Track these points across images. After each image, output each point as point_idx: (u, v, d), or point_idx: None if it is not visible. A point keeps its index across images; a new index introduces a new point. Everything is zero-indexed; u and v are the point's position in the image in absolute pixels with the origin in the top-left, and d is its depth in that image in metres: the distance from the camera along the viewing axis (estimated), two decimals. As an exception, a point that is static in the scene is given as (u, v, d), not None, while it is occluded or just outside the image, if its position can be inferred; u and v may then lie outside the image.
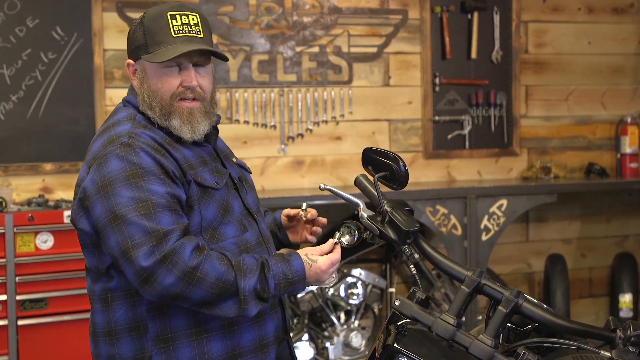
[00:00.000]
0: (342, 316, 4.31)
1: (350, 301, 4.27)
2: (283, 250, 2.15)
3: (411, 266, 2.04)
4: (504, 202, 4.19)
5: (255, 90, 4.32)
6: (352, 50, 4.49)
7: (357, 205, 1.99)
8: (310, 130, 4.42)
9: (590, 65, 4.97)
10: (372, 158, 2.00)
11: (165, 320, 1.90)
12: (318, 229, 2.20)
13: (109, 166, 1.84)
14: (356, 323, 4.32)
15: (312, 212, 2.16)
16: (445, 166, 4.68)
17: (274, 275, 1.86)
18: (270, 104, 4.35)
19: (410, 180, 1.97)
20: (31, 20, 3.94)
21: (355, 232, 2.01)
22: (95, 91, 4.05)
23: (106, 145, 1.88)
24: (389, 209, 1.91)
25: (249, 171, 2.22)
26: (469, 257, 4.09)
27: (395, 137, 4.58)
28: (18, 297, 3.49)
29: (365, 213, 1.96)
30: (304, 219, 2.17)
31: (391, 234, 1.90)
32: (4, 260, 3.48)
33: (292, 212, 2.19)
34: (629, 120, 4.93)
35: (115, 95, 4.08)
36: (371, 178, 2.02)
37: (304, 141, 4.43)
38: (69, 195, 3.98)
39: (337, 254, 1.96)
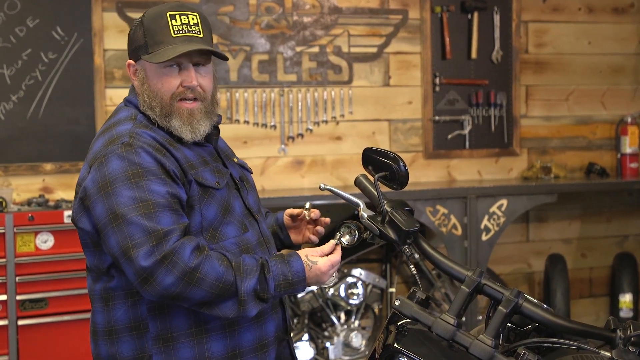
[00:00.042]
0: (342, 316, 4.31)
1: (351, 301, 4.27)
2: (284, 251, 2.16)
3: (411, 266, 2.04)
4: (504, 202, 4.19)
5: (255, 90, 4.32)
6: (352, 50, 4.49)
7: (357, 205, 1.99)
8: (311, 130, 4.43)
9: (591, 65, 4.97)
10: (372, 158, 2.00)
11: (165, 320, 1.90)
12: (321, 229, 2.20)
13: (109, 166, 1.84)
14: (356, 323, 4.32)
15: (316, 212, 2.16)
16: (445, 166, 4.68)
17: (273, 276, 1.86)
18: (271, 104, 4.35)
19: (410, 180, 1.97)
20: (31, 20, 3.94)
21: (355, 232, 2.01)
22: (96, 91, 4.05)
23: (107, 145, 1.88)
24: (389, 209, 1.91)
25: (250, 171, 2.22)
26: (469, 257, 4.09)
27: (396, 137, 4.58)
28: (18, 297, 3.49)
29: (365, 213, 1.96)
30: (307, 218, 2.17)
31: (391, 234, 1.90)
32: (4, 260, 3.48)
33: (295, 211, 2.19)
34: (629, 120, 4.93)
35: (115, 95, 4.08)
36: (371, 178, 2.02)
37: (304, 141, 4.43)
38: (69, 195, 3.98)
39: (337, 255, 1.96)
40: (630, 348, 1.64)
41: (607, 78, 5.01)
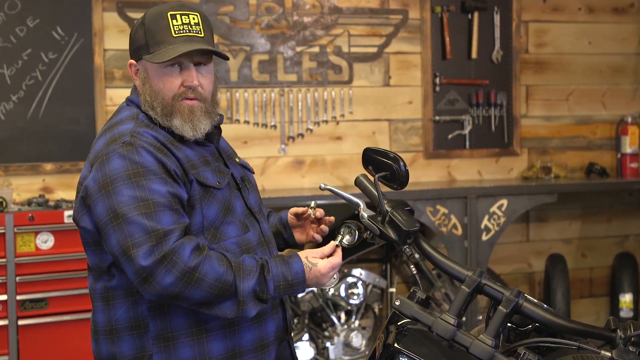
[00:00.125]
0: (343, 316, 4.31)
1: (351, 301, 4.27)
2: (285, 252, 2.16)
3: (411, 266, 2.04)
4: (505, 202, 4.19)
5: (255, 90, 4.32)
6: (353, 50, 4.49)
7: (358, 205, 1.99)
8: (311, 130, 4.43)
9: (591, 65, 4.97)
10: (372, 158, 2.00)
11: (165, 320, 1.90)
12: (325, 228, 2.19)
13: (111, 165, 1.84)
14: (356, 323, 4.32)
15: (320, 211, 2.16)
16: (445, 166, 4.68)
17: (273, 277, 1.87)
18: (271, 103, 4.35)
19: (410, 180, 1.97)
20: (31, 20, 3.94)
21: (355, 232, 2.01)
22: (96, 91, 4.05)
23: (109, 144, 1.89)
24: (389, 209, 1.91)
25: (251, 171, 2.22)
26: (470, 257, 4.09)
27: (396, 137, 4.58)
28: (18, 297, 3.49)
29: (365, 213, 1.96)
30: (312, 217, 2.17)
31: (391, 234, 1.90)
32: (4, 260, 3.48)
33: (300, 210, 2.19)
34: (629, 120, 4.93)
35: (115, 95, 4.08)
36: (371, 178, 2.02)
37: (304, 141, 4.43)
38: (69, 195, 3.98)
39: (338, 258, 1.96)
40: (630, 348, 1.64)
41: (608, 78, 5.01)
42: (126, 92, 2.08)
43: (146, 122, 1.95)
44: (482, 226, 4.14)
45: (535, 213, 4.90)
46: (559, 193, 4.37)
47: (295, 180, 4.42)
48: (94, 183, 1.85)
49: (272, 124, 4.35)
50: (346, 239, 2.01)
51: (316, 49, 4.43)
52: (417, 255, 1.90)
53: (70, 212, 3.52)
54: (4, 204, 3.60)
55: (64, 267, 3.57)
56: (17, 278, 3.49)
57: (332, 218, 2.20)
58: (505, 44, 4.74)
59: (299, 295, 4.20)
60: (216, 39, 4.18)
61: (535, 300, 1.75)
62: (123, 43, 4.08)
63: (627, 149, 4.89)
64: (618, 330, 1.69)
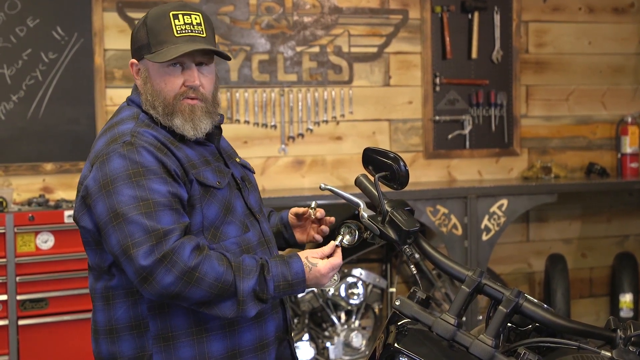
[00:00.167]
0: (343, 316, 4.31)
1: (351, 301, 4.27)
2: (285, 252, 2.16)
3: (412, 266, 2.04)
4: (505, 202, 4.19)
5: (255, 90, 4.32)
6: (353, 50, 4.49)
7: (358, 205, 1.99)
8: (311, 130, 4.43)
9: (591, 65, 4.97)
10: (372, 158, 2.00)
11: (165, 319, 1.90)
12: (325, 228, 2.19)
13: (111, 164, 1.84)
14: (357, 323, 4.32)
15: (321, 211, 2.16)
16: (445, 166, 4.68)
17: (273, 277, 1.87)
18: (271, 103, 4.35)
19: (410, 180, 1.97)
20: (32, 20, 3.94)
21: (355, 232, 2.01)
22: (96, 91, 4.05)
23: (109, 144, 1.89)
24: (389, 209, 1.91)
25: (252, 171, 2.22)
26: (470, 257, 4.09)
27: (396, 137, 4.58)
28: (18, 297, 3.50)
29: (365, 213, 1.96)
30: (313, 217, 2.17)
31: (392, 233, 1.90)
32: (4, 260, 3.48)
33: (301, 210, 2.19)
34: (629, 120, 4.93)
35: (115, 95, 4.08)
36: (372, 178, 2.02)
37: (304, 141, 4.43)
38: (69, 195, 3.98)
39: (338, 258, 1.96)
40: (630, 348, 1.64)
41: (608, 78, 5.01)
42: (126, 92, 2.08)
43: (146, 122, 1.95)
44: (482, 226, 4.14)
45: (535, 213, 4.90)
46: (559, 193, 4.37)
47: (295, 180, 4.42)
48: (94, 183, 1.85)
49: (272, 124, 4.35)
50: (346, 239, 2.01)
51: (316, 49, 4.43)
52: (417, 255, 1.90)
53: (71, 212, 3.52)
54: (4, 204, 3.61)
55: (64, 267, 3.57)
56: (17, 278, 3.49)
57: (332, 218, 2.20)
58: (505, 44, 4.74)
59: (299, 295, 4.20)
60: (216, 39, 4.17)
61: (536, 300, 1.75)
62: (123, 43, 4.08)
63: (627, 149, 4.89)
64: (618, 330, 1.69)
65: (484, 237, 4.14)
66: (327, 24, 4.44)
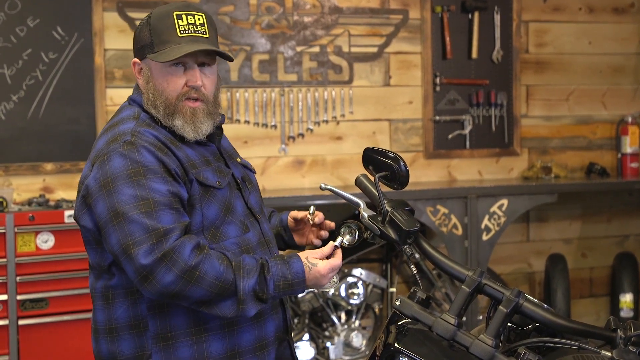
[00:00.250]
0: (343, 316, 4.31)
1: (351, 301, 4.27)
2: (286, 252, 2.15)
3: (412, 266, 2.04)
4: (505, 201, 4.19)
5: (255, 90, 4.32)
6: (353, 50, 4.49)
7: (358, 205, 1.99)
8: (311, 130, 4.43)
9: (591, 65, 4.97)
10: (372, 158, 2.00)
11: (165, 319, 1.90)
12: (325, 233, 2.19)
13: (111, 164, 1.85)
14: (357, 323, 4.32)
15: (320, 216, 2.16)
16: (445, 166, 4.68)
17: (273, 276, 1.87)
18: (271, 103, 4.35)
19: (410, 180, 1.97)
20: (32, 20, 3.94)
21: (355, 232, 2.01)
22: (96, 91, 4.05)
23: (109, 143, 1.89)
24: (389, 209, 1.91)
25: (253, 171, 2.22)
26: (470, 257, 4.09)
27: (396, 136, 4.58)
28: (19, 297, 3.49)
29: (365, 213, 1.96)
30: (311, 222, 2.17)
31: (392, 233, 1.90)
32: (4, 260, 3.48)
33: (300, 214, 2.18)
34: (629, 120, 4.93)
35: (115, 95, 4.08)
36: (372, 178, 2.02)
37: (304, 141, 4.43)
38: (69, 195, 3.98)
39: (338, 259, 1.96)
40: (630, 348, 1.64)
41: (608, 78, 5.01)
42: (126, 92, 2.08)
43: (147, 122, 1.96)
44: (483, 226, 4.14)
45: (535, 213, 4.90)
46: (559, 193, 4.37)
47: (295, 180, 4.42)
48: (94, 182, 1.85)
49: (273, 123, 4.35)
50: (346, 239, 2.01)
51: (316, 49, 4.43)
52: (417, 255, 1.90)
53: (71, 212, 3.52)
54: (5, 203, 3.61)
55: (64, 267, 3.57)
56: (18, 278, 3.49)
57: (332, 224, 2.18)
58: (505, 43, 4.74)
59: (300, 295, 4.20)
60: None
61: (536, 300, 1.75)
62: (123, 43, 4.09)
63: (627, 148, 4.89)
64: (618, 330, 1.69)
65: (484, 237, 4.14)
66: (327, 23, 4.44)
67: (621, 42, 5.02)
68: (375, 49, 4.53)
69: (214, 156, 2.04)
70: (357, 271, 4.33)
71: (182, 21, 1.94)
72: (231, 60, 2.05)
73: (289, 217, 2.21)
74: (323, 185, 2.07)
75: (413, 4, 4.57)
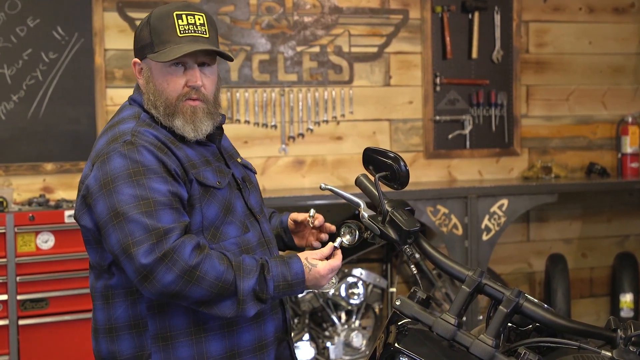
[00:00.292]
0: (343, 316, 4.31)
1: (351, 301, 4.27)
2: (286, 252, 2.15)
3: (412, 266, 2.04)
4: (505, 201, 4.19)
5: (255, 90, 4.32)
6: (353, 50, 4.49)
7: (358, 205, 1.99)
8: (311, 130, 4.42)
9: (591, 65, 4.97)
10: (372, 158, 2.00)
11: (164, 319, 1.90)
12: (325, 236, 2.19)
13: (111, 164, 1.85)
14: (357, 323, 4.32)
15: (320, 219, 2.15)
16: (446, 166, 4.68)
17: (273, 277, 1.87)
18: (271, 103, 4.35)
19: (411, 180, 1.97)
20: (32, 20, 3.94)
21: (356, 232, 2.01)
22: (96, 91, 4.05)
23: (109, 143, 1.89)
24: (389, 209, 1.91)
25: (253, 171, 2.22)
26: (470, 257, 4.09)
27: (396, 136, 4.58)
28: (19, 297, 3.49)
29: (366, 213, 1.96)
30: (311, 225, 2.17)
31: (392, 233, 1.90)
32: (4, 260, 3.48)
33: (300, 217, 2.18)
34: (629, 120, 4.93)
35: (116, 95, 4.08)
36: (372, 178, 2.02)
37: (304, 141, 4.43)
38: (69, 195, 3.98)
39: (337, 260, 1.96)
40: (631, 348, 1.64)
41: (608, 78, 5.01)
42: (126, 92, 2.08)
43: (147, 122, 1.96)
44: (483, 226, 4.14)
45: (535, 213, 4.90)
46: (560, 193, 4.37)
47: (295, 180, 4.42)
48: (94, 182, 1.86)
49: (273, 123, 4.35)
50: (346, 239, 2.01)
51: (316, 49, 4.43)
52: (417, 255, 1.90)
53: (71, 212, 3.52)
54: (5, 203, 3.61)
55: (65, 267, 3.57)
56: (18, 278, 3.49)
57: (332, 227, 2.18)
58: (505, 43, 4.74)
59: (300, 295, 4.20)
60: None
61: (536, 300, 1.75)
62: (123, 43, 4.09)
63: (628, 148, 4.89)
64: (618, 330, 1.69)
65: (485, 237, 4.14)
66: (327, 24, 4.44)
67: (621, 42, 5.02)
68: (375, 49, 4.53)
69: (214, 156, 2.04)
70: (357, 271, 4.33)
71: (182, 21, 1.94)
72: (231, 60, 2.05)
73: (289, 219, 2.21)
74: (323, 185, 2.07)
75: (413, 4, 4.57)
